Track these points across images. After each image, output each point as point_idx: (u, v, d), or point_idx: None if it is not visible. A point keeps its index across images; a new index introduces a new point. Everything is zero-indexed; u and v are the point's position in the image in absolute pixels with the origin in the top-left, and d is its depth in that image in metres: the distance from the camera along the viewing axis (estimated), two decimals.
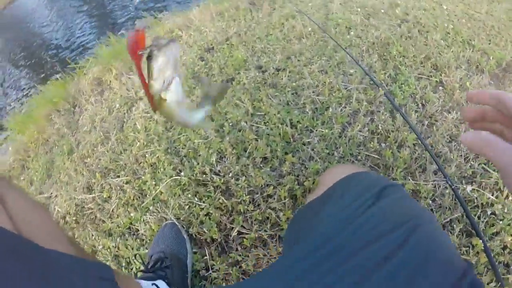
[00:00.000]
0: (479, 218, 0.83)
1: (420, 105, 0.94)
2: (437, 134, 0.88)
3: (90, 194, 1.14)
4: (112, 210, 1.04)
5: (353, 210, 0.42)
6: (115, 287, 0.39)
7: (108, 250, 0.98)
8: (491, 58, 1.16)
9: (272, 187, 0.77)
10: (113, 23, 1.95)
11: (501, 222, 0.81)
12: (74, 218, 1.12)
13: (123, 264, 0.92)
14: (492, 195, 0.85)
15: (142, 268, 0.72)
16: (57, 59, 2.02)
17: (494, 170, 0.89)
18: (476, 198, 0.84)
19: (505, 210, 0.83)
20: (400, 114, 0.85)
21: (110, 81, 1.42)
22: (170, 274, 0.72)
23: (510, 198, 0.84)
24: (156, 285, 0.67)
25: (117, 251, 0.96)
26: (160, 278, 0.70)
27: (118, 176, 1.09)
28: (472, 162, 0.89)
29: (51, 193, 1.32)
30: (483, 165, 0.89)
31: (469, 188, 0.87)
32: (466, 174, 0.87)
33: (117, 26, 1.80)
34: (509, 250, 0.78)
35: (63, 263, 0.32)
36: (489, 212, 0.84)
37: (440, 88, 1.01)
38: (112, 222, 1.01)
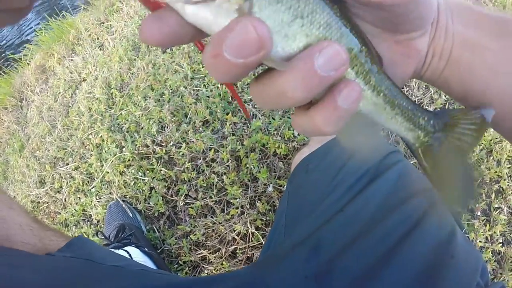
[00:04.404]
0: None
1: None
2: None
3: (43, 187, 1.11)
4: (65, 200, 1.02)
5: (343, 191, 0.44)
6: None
7: None
8: None
9: (213, 150, 0.75)
10: (53, 5, 1.85)
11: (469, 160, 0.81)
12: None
13: None
14: None
15: (105, 242, 0.71)
16: None
17: None
18: None
19: None
20: None
21: (53, 67, 1.36)
22: (136, 239, 0.72)
23: None
24: (126, 251, 0.67)
25: None
26: (127, 245, 0.70)
27: (67, 164, 1.06)
28: (426, 107, 0.88)
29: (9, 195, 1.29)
30: (438, 109, 0.89)
31: None
32: None
33: (58, 8, 1.70)
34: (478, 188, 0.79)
35: None
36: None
37: None
38: (66, 212, 1.00)
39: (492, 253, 0.73)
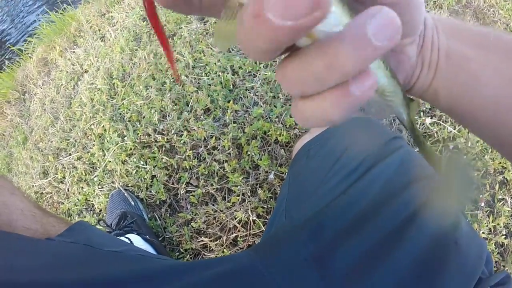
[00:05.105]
0: (441, 153, 0.82)
1: None
2: None
3: (46, 178, 1.13)
4: (68, 190, 1.03)
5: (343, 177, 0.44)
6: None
7: None
8: None
9: (214, 138, 0.75)
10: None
11: (464, 157, 0.81)
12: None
13: None
14: (454, 129, 0.84)
15: (107, 230, 0.72)
16: (0, 49, 1.93)
17: None
18: (437, 132, 0.83)
19: (469, 144, 0.82)
20: None
21: (55, 59, 1.37)
22: (137, 227, 0.72)
23: None
24: (128, 238, 0.68)
25: None
26: (129, 232, 0.71)
27: (70, 154, 1.07)
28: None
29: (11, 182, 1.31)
30: None
31: (428, 120, 0.86)
32: (424, 108, 0.86)
33: (58, 1, 1.71)
34: (476, 186, 0.79)
35: None
36: (451, 147, 0.83)
37: None
38: (69, 202, 1.01)
39: (495, 245, 0.72)
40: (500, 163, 0.78)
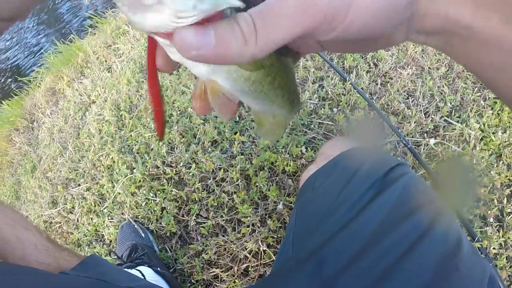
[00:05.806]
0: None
1: (372, 64, 0.93)
2: (392, 91, 0.88)
3: (55, 208, 1.14)
4: (77, 220, 1.05)
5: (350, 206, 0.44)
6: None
7: None
8: None
9: (223, 170, 0.77)
10: (61, 29, 1.92)
11: (463, 160, 0.81)
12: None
13: None
14: (458, 147, 0.85)
15: (117, 262, 0.73)
16: (9, 77, 1.99)
17: (457, 122, 0.89)
18: (441, 152, 0.84)
19: (474, 161, 0.83)
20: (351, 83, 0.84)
21: (63, 89, 1.41)
22: (148, 259, 0.73)
23: (477, 148, 0.84)
24: (139, 271, 0.69)
25: None
26: (140, 265, 0.72)
27: (79, 185, 1.09)
28: (433, 116, 0.89)
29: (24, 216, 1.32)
30: (445, 117, 0.89)
31: (432, 141, 0.87)
32: (427, 129, 0.87)
33: (66, 32, 1.77)
34: (484, 202, 0.79)
35: None
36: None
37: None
38: (79, 232, 1.02)
39: (506, 259, 0.72)
40: (507, 176, 0.79)
